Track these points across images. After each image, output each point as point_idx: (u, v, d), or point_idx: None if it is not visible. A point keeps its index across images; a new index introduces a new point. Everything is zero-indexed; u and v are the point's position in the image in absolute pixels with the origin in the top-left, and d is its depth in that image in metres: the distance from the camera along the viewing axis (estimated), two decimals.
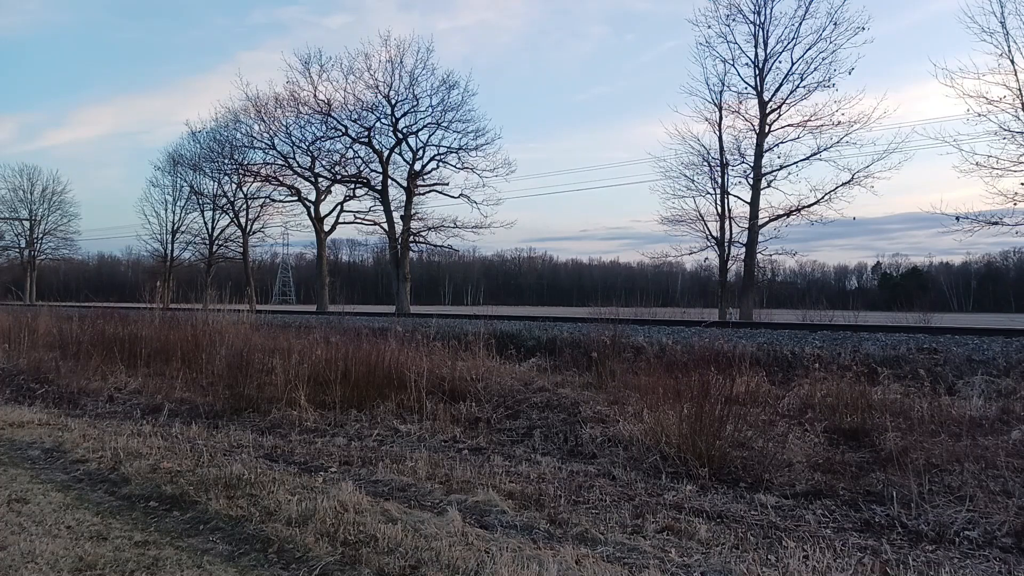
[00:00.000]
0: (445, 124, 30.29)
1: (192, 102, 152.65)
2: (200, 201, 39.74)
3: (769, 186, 24.19)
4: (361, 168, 32.61)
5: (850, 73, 22.76)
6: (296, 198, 35.16)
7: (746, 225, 24.36)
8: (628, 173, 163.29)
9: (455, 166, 31.19)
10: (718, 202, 24.74)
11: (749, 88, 24.00)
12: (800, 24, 22.84)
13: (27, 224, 53.18)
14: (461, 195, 31.10)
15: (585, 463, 5.55)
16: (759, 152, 23.92)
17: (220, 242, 40.24)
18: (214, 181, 38.06)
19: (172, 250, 42.40)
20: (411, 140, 31.25)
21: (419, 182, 31.23)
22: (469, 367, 8.59)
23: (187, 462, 5.05)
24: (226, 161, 35.68)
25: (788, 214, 23.88)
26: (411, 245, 31.86)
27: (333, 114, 31.14)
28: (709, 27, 24.24)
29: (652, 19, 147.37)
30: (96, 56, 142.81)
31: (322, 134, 31.96)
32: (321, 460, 5.53)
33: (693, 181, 25.23)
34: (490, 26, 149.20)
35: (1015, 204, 17.28)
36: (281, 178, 34.34)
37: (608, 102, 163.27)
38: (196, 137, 37.75)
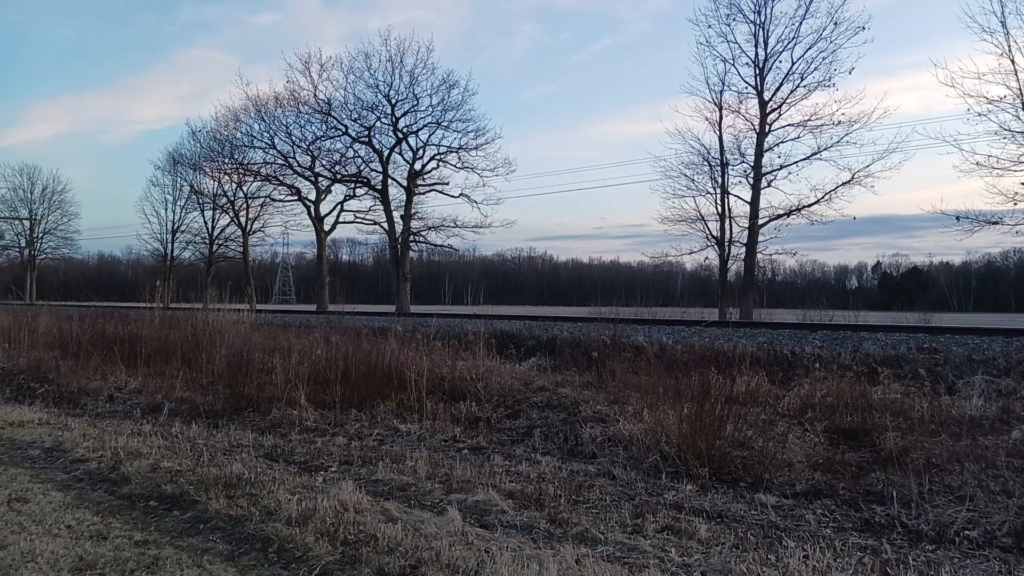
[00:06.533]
0: (445, 123, 30.38)
1: (141, 101, 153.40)
2: (200, 200, 39.84)
3: (769, 186, 24.24)
4: (361, 167, 32.67)
5: (850, 73, 22.85)
6: (296, 197, 35.22)
7: (746, 225, 24.38)
8: (628, 173, 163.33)
9: (455, 165, 31.28)
10: (718, 202, 24.79)
11: (749, 88, 24.06)
12: (800, 24, 22.92)
13: (27, 223, 53.22)
14: (461, 195, 31.20)
15: (585, 463, 5.55)
16: (759, 152, 23.93)
17: (220, 241, 40.27)
18: (214, 180, 38.13)
19: (172, 249, 42.45)
20: (411, 139, 31.34)
21: (419, 181, 31.24)
22: (469, 367, 8.59)
23: (187, 461, 5.04)
24: (226, 160, 35.71)
25: (788, 214, 23.91)
26: (411, 245, 31.86)
27: (333, 113, 31.21)
28: (709, 27, 24.31)
29: (584, 17, 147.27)
30: (28, 55, 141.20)
31: (322, 133, 32.05)
32: (321, 459, 5.53)
33: (693, 181, 25.29)
34: (421, 24, 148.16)
35: (1015, 204, 17.31)
36: (281, 177, 34.43)
37: (552, 100, 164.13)
38: (196, 136, 37.85)
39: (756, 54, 23.73)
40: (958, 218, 17.92)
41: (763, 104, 23.70)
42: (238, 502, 4.10)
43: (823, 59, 22.73)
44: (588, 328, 11.63)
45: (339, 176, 33.22)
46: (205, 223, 40.37)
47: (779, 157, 24.02)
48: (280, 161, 33.49)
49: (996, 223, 17.59)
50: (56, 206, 53.79)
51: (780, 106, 23.57)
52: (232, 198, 38.24)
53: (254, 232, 39.46)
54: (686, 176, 25.31)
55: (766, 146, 23.92)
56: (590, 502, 4.41)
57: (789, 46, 23.22)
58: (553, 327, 12.69)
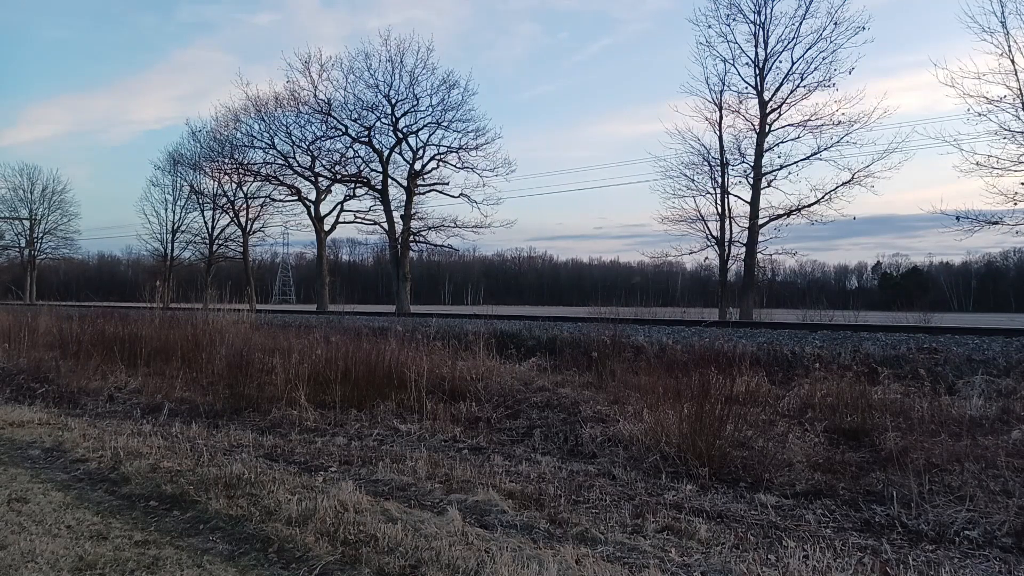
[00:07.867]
0: (445, 123, 30.35)
1: (140, 101, 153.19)
2: (200, 200, 39.82)
3: (769, 186, 24.24)
4: (361, 168, 32.65)
5: (850, 73, 22.85)
6: (296, 197, 35.21)
7: (746, 225, 24.38)
8: (628, 173, 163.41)
9: (455, 165, 31.27)
10: (718, 202, 24.78)
11: (749, 88, 24.06)
12: (800, 24, 22.91)
13: (27, 224, 53.19)
14: (461, 195, 31.19)
15: (585, 463, 5.55)
16: (759, 152, 23.93)
17: (220, 242, 40.25)
18: (214, 180, 38.11)
19: (172, 250, 42.42)
20: (411, 139, 31.31)
21: (419, 182, 31.23)
22: (469, 367, 8.59)
23: (187, 461, 5.04)
24: (226, 160, 35.70)
25: (788, 214, 23.90)
26: (411, 245, 31.85)
27: (333, 113, 31.20)
28: (709, 27, 24.31)
29: (583, 17, 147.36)
30: (27, 55, 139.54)
31: (322, 133, 32.01)
32: (321, 459, 5.53)
33: (693, 181, 25.29)
34: (419, 24, 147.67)
35: (1015, 204, 17.31)
36: (281, 177, 34.41)
37: (552, 100, 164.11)
38: (196, 136, 37.85)
39: (756, 54, 23.76)
40: (958, 218, 17.93)
41: (763, 104, 23.70)
42: (238, 502, 4.10)
43: (823, 59, 22.76)
44: (588, 328, 11.63)
45: (339, 176, 33.22)
46: (205, 223, 40.40)
47: (779, 157, 24.07)
48: (280, 161, 33.51)
49: (996, 223, 17.59)
50: (56, 206, 53.81)
51: (780, 106, 23.59)
52: (232, 198, 38.27)
53: (254, 232, 39.49)
54: (686, 176, 25.34)
55: (766, 146, 23.92)
56: (590, 502, 4.41)
57: (789, 46, 23.25)
58: (553, 327, 12.69)
